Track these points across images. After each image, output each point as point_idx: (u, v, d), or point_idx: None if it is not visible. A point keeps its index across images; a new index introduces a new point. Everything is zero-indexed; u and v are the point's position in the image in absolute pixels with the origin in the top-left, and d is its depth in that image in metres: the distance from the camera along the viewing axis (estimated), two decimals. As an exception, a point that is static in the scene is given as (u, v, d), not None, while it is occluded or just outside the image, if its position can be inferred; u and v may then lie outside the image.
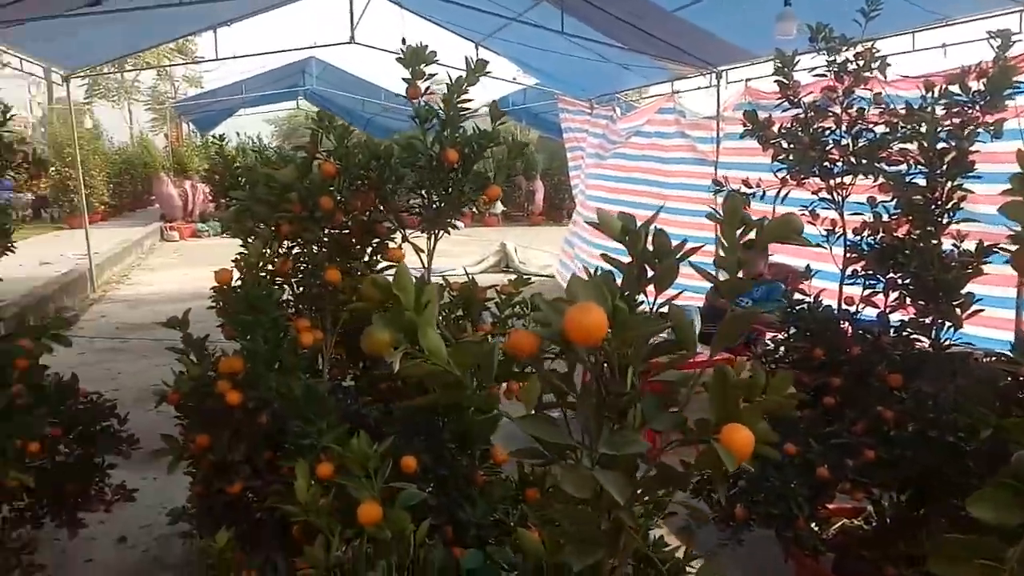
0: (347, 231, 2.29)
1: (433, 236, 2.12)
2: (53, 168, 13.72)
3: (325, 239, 2.13)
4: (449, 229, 2.18)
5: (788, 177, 2.77)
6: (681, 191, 8.63)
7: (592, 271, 0.91)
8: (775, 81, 2.80)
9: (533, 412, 0.84)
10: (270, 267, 2.17)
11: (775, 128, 2.80)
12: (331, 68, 20.04)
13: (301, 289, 2.07)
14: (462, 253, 12.04)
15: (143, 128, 30.09)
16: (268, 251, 1.92)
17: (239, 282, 2.20)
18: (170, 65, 23.48)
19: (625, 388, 0.80)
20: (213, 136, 3.89)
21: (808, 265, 3.06)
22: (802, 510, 2.34)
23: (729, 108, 7.54)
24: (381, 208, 2.12)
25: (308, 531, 2.11)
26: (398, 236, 2.21)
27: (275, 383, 1.89)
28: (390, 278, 0.86)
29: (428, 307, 0.80)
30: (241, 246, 4.18)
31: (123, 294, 10.95)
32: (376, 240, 2.26)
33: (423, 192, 2.10)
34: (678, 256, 0.91)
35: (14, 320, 2.37)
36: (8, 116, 3.58)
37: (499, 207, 19.74)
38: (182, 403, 2.13)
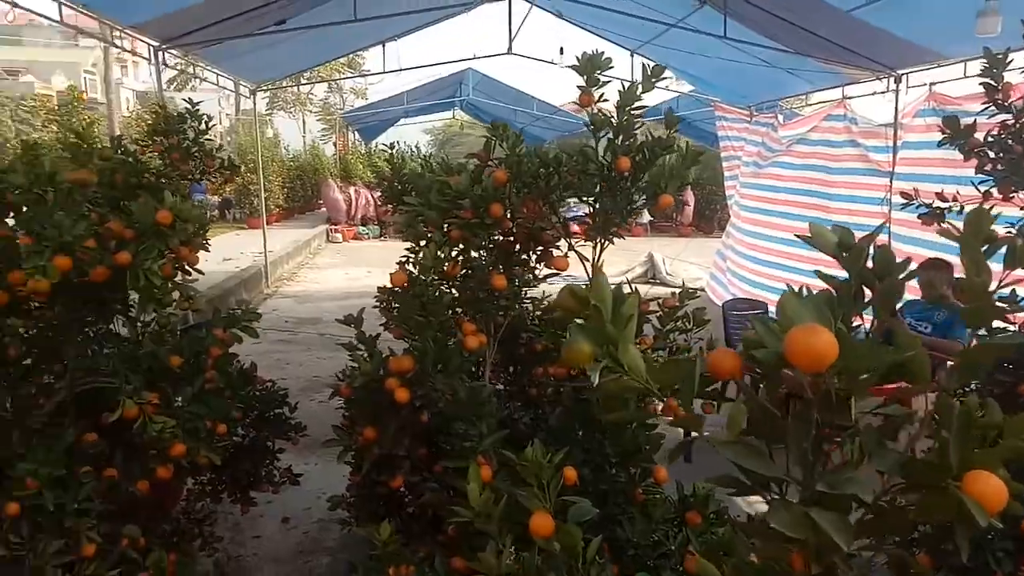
0: (511, 238, 2.31)
1: (600, 245, 2.10)
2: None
3: (491, 245, 2.15)
4: (613, 239, 2.15)
5: (995, 190, 2.48)
6: (848, 203, 8.06)
7: (799, 289, 0.84)
8: (981, 84, 2.52)
9: (735, 439, 0.78)
10: (439, 271, 2.23)
11: (979, 136, 2.52)
12: (487, 79, 20.62)
13: (468, 293, 2.11)
14: (608, 262, 11.89)
15: (315, 137, 32.43)
16: (441, 255, 1.97)
17: (408, 284, 2.28)
18: (341, 78, 25.13)
19: (849, 420, 0.72)
20: (383, 145, 4.09)
21: (1013, 290, 2.72)
22: (1001, 566, 2.08)
23: (909, 115, 6.93)
24: (548, 216, 2.12)
25: (464, 533, 2.14)
26: (562, 244, 2.20)
27: (441, 384, 1.93)
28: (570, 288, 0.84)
29: (629, 321, 0.77)
30: (407, 249, 4.39)
31: (292, 290, 11.84)
32: (540, 248, 2.26)
33: (591, 200, 2.08)
34: (902, 275, 0.82)
35: (209, 310, 2.60)
36: (209, 126, 3.96)
37: (646, 216, 19.39)
38: (352, 396, 2.23)
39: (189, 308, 2.15)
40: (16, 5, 4.62)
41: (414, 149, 21.69)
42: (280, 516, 4.18)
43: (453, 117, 28.95)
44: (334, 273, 13.42)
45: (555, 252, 2.21)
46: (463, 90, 22.12)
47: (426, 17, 10.48)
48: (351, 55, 20.75)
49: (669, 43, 8.95)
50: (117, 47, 6.56)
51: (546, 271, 2.29)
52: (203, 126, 3.91)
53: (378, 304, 4.20)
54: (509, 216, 2.10)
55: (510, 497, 1.36)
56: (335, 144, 26.15)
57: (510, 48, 9.99)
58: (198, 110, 3.93)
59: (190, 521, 3.01)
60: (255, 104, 10.82)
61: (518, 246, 2.31)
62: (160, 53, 6.90)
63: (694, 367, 0.80)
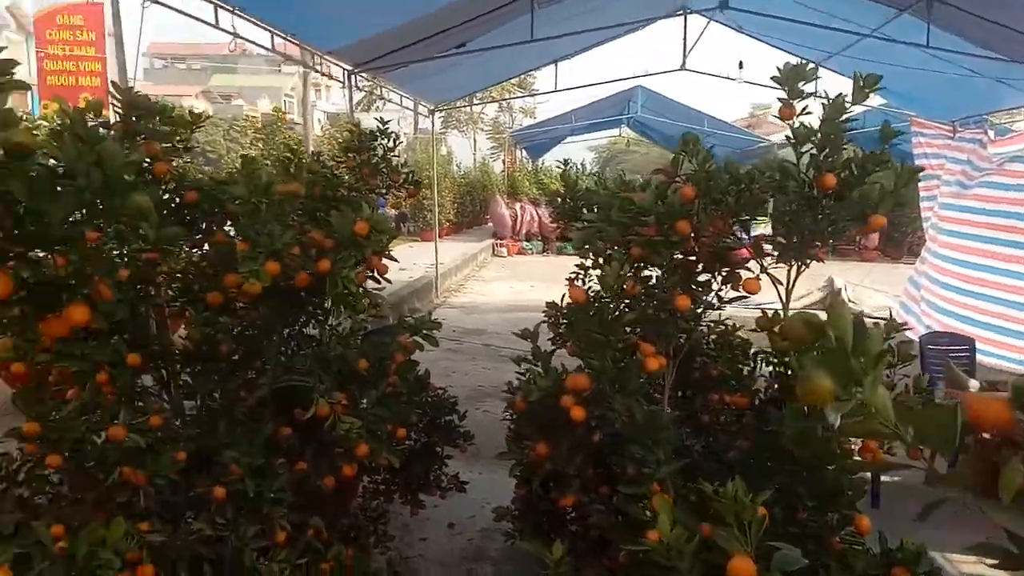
0: (694, 257, 2.21)
1: (796, 268, 1.95)
2: (414, 189, 15.95)
3: (673, 265, 2.07)
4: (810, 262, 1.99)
5: None
6: (1075, 230, 7.05)
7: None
8: None
9: (1010, 504, 0.66)
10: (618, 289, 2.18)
11: None
12: (656, 96, 20.37)
13: (647, 312, 2.03)
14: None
15: (484, 155, 33.63)
16: (622, 273, 1.92)
17: (585, 301, 2.25)
18: (511, 98, 25.87)
19: None
20: (556, 162, 4.13)
21: None
22: None
23: None
24: (737, 235, 2.00)
25: (637, 562, 2.06)
26: (752, 265, 2.07)
27: (619, 405, 1.87)
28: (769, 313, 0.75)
29: (880, 359, 0.67)
30: (577, 266, 4.39)
31: (460, 301, 12.29)
32: (725, 268, 2.14)
33: (787, 220, 1.94)
34: None
35: (391, 316, 2.72)
36: (397, 143, 4.20)
37: (825, 239, 18.09)
38: (526, 411, 2.23)
39: (376, 315, 2.25)
40: (237, 36, 5.18)
41: (580, 166, 21.92)
42: (446, 521, 4.30)
43: (619, 135, 28.89)
44: (499, 286, 13.77)
45: (744, 274, 2.08)
46: (631, 107, 22.01)
47: (600, 36, 10.52)
48: (523, 75, 21.32)
49: (860, 54, 8.33)
50: (316, 71, 7.18)
51: (731, 293, 2.17)
52: (391, 143, 4.14)
53: (547, 319, 4.24)
54: (693, 235, 2.01)
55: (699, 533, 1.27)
56: (503, 161, 26.94)
57: (683, 64, 9.78)
58: (388, 128, 4.18)
59: (367, 518, 3.16)
60: (433, 123, 11.39)
61: (700, 266, 2.20)
62: (352, 76, 7.45)
63: (955, 415, 0.69)
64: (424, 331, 2.39)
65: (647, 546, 1.88)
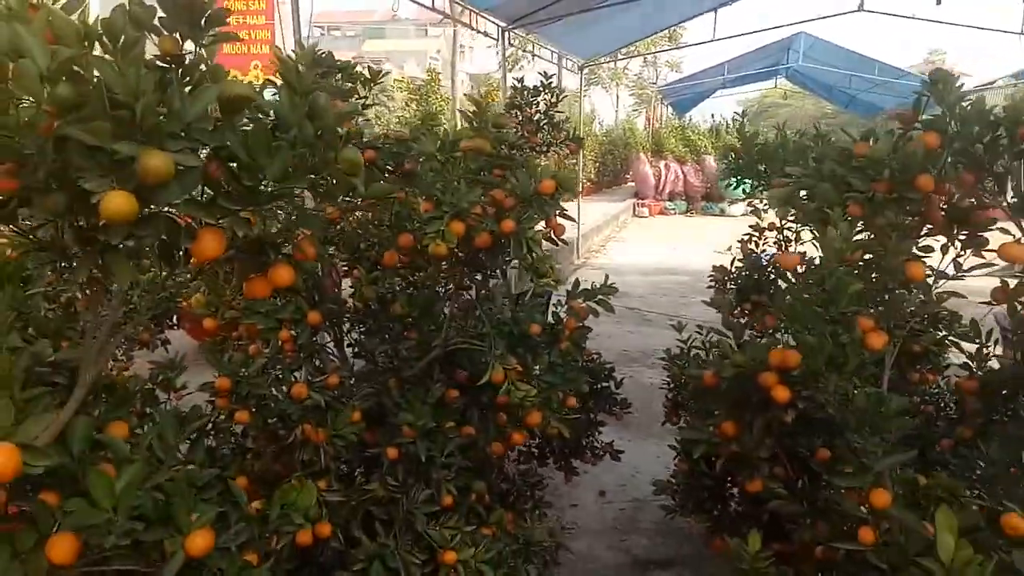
0: (918, 217, 1.90)
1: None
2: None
3: (905, 227, 1.77)
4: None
5: None
6: None
7: None
8: None
9: None
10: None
11: None
12: (820, 43, 18.84)
13: (870, 282, 1.76)
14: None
15: (627, 112, 32.75)
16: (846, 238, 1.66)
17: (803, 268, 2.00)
18: (660, 51, 24.86)
19: None
20: (735, 115, 3.81)
21: None
22: None
23: None
24: (993, 192, 1.68)
25: (833, 558, 1.84)
26: (1009, 228, 1.73)
27: (835, 386, 1.64)
28: None
29: None
30: (751, 227, 4.05)
31: (600, 262, 12.06)
32: (966, 231, 1.82)
33: (1059, 174, 1.60)
34: None
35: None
36: (561, 98, 4.03)
37: None
38: (717, 386, 2.03)
39: (551, 278, 2.12)
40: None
41: (730, 121, 20.79)
42: (596, 488, 4.20)
43: (775, 86, 27.11)
44: (641, 247, 13.39)
45: (1000, 238, 1.75)
46: (790, 57, 20.54)
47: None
48: (675, 27, 20.35)
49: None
50: (472, 28, 7.11)
51: (971, 260, 1.84)
52: (554, 98, 3.98)
53: (714, 284, 3.97)
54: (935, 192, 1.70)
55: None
56: (647, 118, 26.09)
57: (861, 5, 8.84)
58: (551, 82, 4.01)
59: (524, 483, 3.11)
60: (581, 80, 11.09)
61: (930, 227, 1.89)
62: (506, 33, 7.32)
63: None
64: (599, 297, 2.24)
65: (861, 547, 1.66)
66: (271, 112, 1.12)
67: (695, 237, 14.50)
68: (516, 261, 1.94)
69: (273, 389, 2.11)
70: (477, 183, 1.84)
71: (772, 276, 3.68)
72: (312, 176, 1.11)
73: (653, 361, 6.54)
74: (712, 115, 22.46)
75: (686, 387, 3.54)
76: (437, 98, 14.37)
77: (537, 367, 2.24)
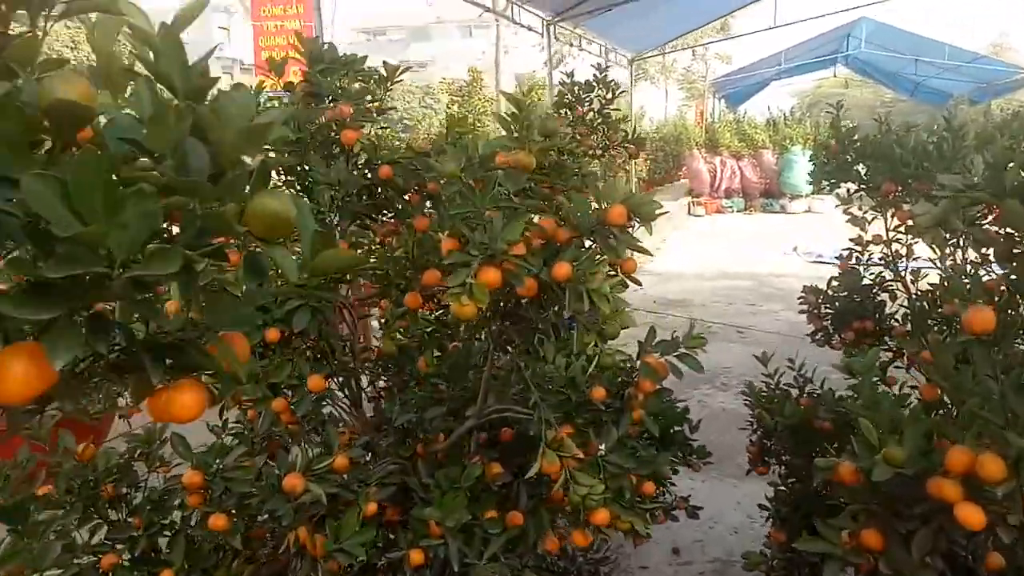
0: None
1: None
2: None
3: None
4: None
5: None
6: None
7: None
8: None
9: None
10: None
11: None
12: (884, 27, 17.80)
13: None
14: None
15: (678, 106, 31.85)
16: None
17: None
18: (711, 42, 23.97)
19: None
20: (831, 106, 3.20)
21: None
22: None
23: None
24: None
25: None
26: None
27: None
28: None
29: None
30: (852, 240, 3.40)
31: (656, 267, 11.39)
32: None
33: None
34: None
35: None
36: (617, 94, 3.48)
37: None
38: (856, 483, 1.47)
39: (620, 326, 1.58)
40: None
41: (787, 114, 19.72)
42: (669, 546, 3.64)
43: (834, 75, 25.93)
44: (698, 249, 12.66)
45: None
46: (851, 43, 19.53)
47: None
48: (725, 17, 19.50)
49: None
50: (513, 22, 6.61)
51: None
52: (610, 94, 3.44)
53: (807, 308, 3.37)
54: None
55: None
56: (701, 112, 25.20)
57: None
58: (606, 76, 3.46)
59: (587, 561, 2.59)
60: (632, 74, 10.47)
61: None
62: (551, 27, 6.79)
63: None
64: (689, 349, 1.70)
65: None
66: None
67: (756, 237, 13.69)
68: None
69: (260, 482, 1.63)
70: (518, 213, 1.32)
71: (879, 299, 3.07)
72: (194, 250, 0.62)
73: (724, 381, 5.92)
74: (768, 107, 21.47)
75: (775, 430, 2.97)
76: (480, 99, 13.89)
77: (603, 445, 1.70)
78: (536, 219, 1.46)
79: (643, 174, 18.98)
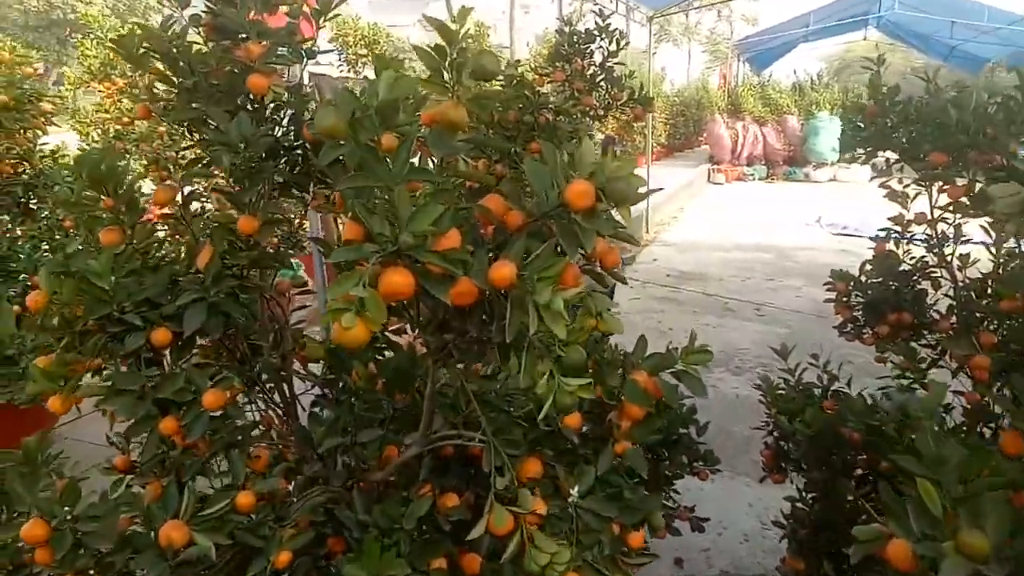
0: None
1: None
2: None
3: None
4: None
5: None
6: None
7: None
8: None
9: None
10: None
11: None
12: (921, -15, 16.89)
13: None
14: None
15: (701, 69, 30.91)
16: None
17: None
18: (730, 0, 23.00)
19: None
20: (866, 67, 2.73)
21: None
22: None
23: None
24: None
25: None
26: None
27: None
28: None
29: None
30: (891, 220, 2.93)
31: (672, 237, 10.91)
32: None
33: None
34: None
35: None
36: (622, 45, 3.02)
37: None
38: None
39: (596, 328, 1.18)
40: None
41: (815, 78, 18.89)
42: (671, 555, 3.28)
43: (864, 38, 24.86)
44: (717, 219, 12.13)
45: None
46: (883, 4, 18.61)
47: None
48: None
49: None
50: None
51: None
52: (614, 46, 2.99)
53: (837, 298, 2.94)
54: None
55: None
56: (724, 76, 24.31)
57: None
58: (608, 24, 3.01)
59: None
60: (651, 33, 9.87)
61: None
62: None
63: None
64: (688, 366, 1.31)
65: None
66: None
67: (778, 207, 13.11)
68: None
69: (136, 529, 1.27)
70: (447, 193, 0.92)
71: (919, 288, 2.63)
72: None
73: (739, 364, 5.51)
74: (794, 71, 20.60)
75: (794, 435, 2.58)
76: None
77: (575, 489, 1.33)
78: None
79: (662, 139, 18.33)
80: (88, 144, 4.75)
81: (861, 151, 2.73)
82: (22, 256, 2.72)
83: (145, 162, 4.33)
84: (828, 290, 2.83)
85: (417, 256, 0.89)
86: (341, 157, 0.91)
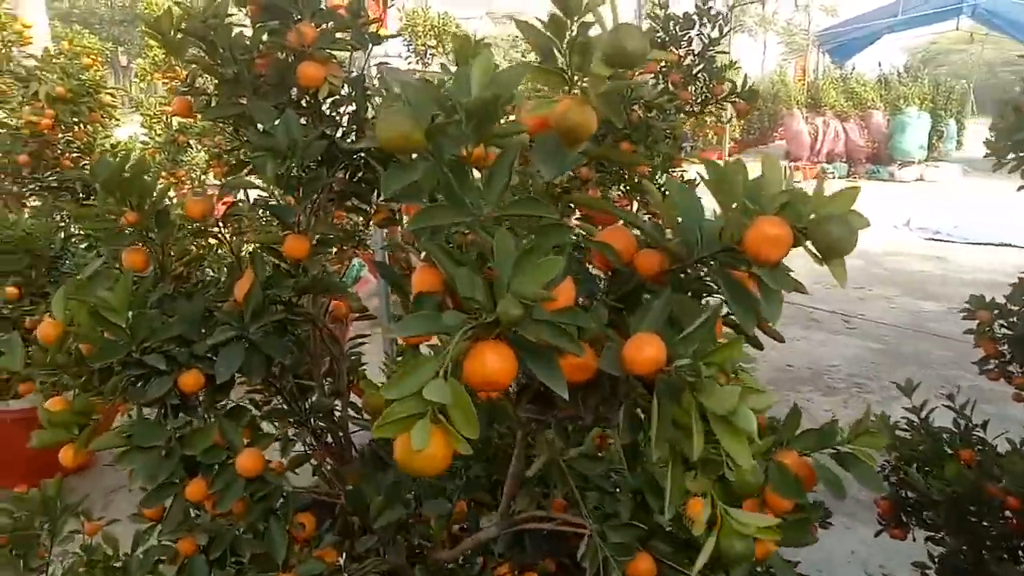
0: None
1: None
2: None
3: None
4: None
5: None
6: None
7: None
8: None
9: None
10: None
11: None
12: (1026, -30, 15.72)
13: None
14: None
15: (777, 61, 29.83)
16: None
17: None
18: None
19: None
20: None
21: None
22: None
23: None
24: None
25: None
26: None
27: None
28: None
29: None
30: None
31: (747, 238, 10.35)
32: None
33: None
34: None
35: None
36: (725, 31, 2.67)
37: None
38: None
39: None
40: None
41: (901, 72, 17.88)
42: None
43: (956, 28, 23.42)
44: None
45: None
46: (981, -9, 17.47)
47: None
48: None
49: None
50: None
51: None
52: (717, 31, 2.64)
53: (979, 329, 2.51)
54: None
55: None
56: (802, 68, 23.30)
57: None
58: (710, 7, 2.66)
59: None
60: (730, 22, 9.34)
61: None
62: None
63: None
64: (858, 447, 0.99)
65: None
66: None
67: (862, 207, 12.26)
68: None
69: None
70: (551, 230, 0.63)
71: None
72: None
73: (829, 382, 5.05)
74: (879, 63, 19.50)
75: (927, 492, 2.20)
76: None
77: None
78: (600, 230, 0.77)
79: (735, 134, 17.61)
80: (152, 137, 4.66)
81: (1013, 156, 2.31)
82: (73, 256, 2.56)
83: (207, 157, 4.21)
84: (965, 318, 2.42)
85: (522, 330, 0.60)
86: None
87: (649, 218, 1.30)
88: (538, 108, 0.65)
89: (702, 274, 0.76)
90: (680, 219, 0.72)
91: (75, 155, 3.48)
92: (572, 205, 0.89)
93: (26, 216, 2.85)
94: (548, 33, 0.68)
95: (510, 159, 0.66)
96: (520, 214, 0.63)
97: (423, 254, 0.73)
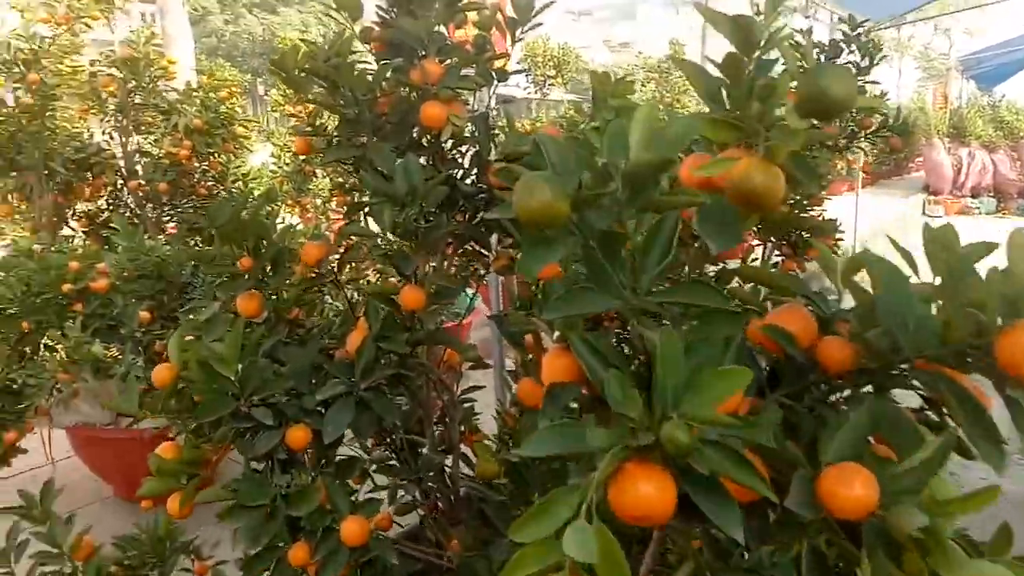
0: None
1: None
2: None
3: None
4: None
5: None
6: None
7: None
8: None
9: None
10: None
11: None
12: None
13: None
14: None
15: (914, 88, 28.09)
16: None
17: None
18: (961, 10, 20.55)
19: None
20: None
21: None
22: None
23: None
24: None
25: None
26: None
27: None
28: None
29: None
30: None
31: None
32: None
33: None
34: None
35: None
36: (877, 60, 2.44)
37: None
38: None
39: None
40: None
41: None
42: None
43: None
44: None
45: None
46: None
47: None
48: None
49: None
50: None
51: None
52: (867, 60, 2.41)
53: None
54: None
55: None
56: (944, 95, 21.76)
57: None
58: (860, 34, 2.44)
59: None
60: (881, 51, 8.79)
61: None
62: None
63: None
64: None
65: None
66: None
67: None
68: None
69: None
70: (726, 318, 0.49)
71: None
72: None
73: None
74: (1034, 89, 17.86)
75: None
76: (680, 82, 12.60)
77: None
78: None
79: (868, 163, 16.58)
80: (280, 167, 4.87)
81: None
82: (203, 284, 2.63)
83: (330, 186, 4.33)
84: None
85: (692, 459, 0.47)
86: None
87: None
88: (710, 167, 0.53)
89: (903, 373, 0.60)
90: (883, 303, 0.57)
91: (210, 183, 3.66)
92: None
93: (161, 241, 2.99)
94: (724, 72, 0.55)
95: (670, 230, 0.53)
96: (687, 303, 0.50)
97: (556, 333, 0.61)
